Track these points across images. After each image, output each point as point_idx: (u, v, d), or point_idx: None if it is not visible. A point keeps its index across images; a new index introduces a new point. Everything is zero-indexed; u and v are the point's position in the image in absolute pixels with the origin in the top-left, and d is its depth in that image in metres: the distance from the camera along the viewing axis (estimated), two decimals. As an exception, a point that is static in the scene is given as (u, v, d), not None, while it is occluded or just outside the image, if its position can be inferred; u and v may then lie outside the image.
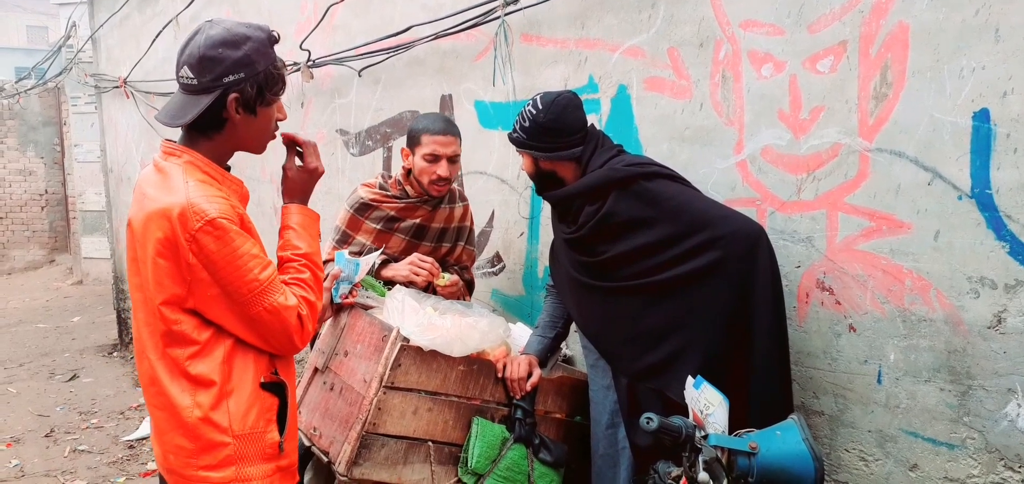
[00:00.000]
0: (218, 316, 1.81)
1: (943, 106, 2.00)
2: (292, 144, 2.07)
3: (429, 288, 2.80)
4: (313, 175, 2.08)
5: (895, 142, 2.10)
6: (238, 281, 1.77)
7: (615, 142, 2.50)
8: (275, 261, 1.94)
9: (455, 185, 3.10)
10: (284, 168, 2.07)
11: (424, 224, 2.91)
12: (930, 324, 2.09)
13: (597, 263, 2.37)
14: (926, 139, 2.04)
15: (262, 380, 1.88)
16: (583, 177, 2.38)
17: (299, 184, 2.07)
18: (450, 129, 2.82)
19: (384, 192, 2.92)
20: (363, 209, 2.91)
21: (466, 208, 3.09)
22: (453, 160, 2.80)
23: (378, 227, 2.89)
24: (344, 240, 2.90)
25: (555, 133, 2.36)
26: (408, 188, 2.89)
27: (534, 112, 2.37)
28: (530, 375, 2.53)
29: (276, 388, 1.91)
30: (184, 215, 1.73)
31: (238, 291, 1.78)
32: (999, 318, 1.96)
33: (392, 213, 2.89)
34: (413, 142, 2.81)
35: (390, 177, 2.97)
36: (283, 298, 1.84)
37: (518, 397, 2.53)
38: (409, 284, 2.73)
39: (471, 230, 3.12)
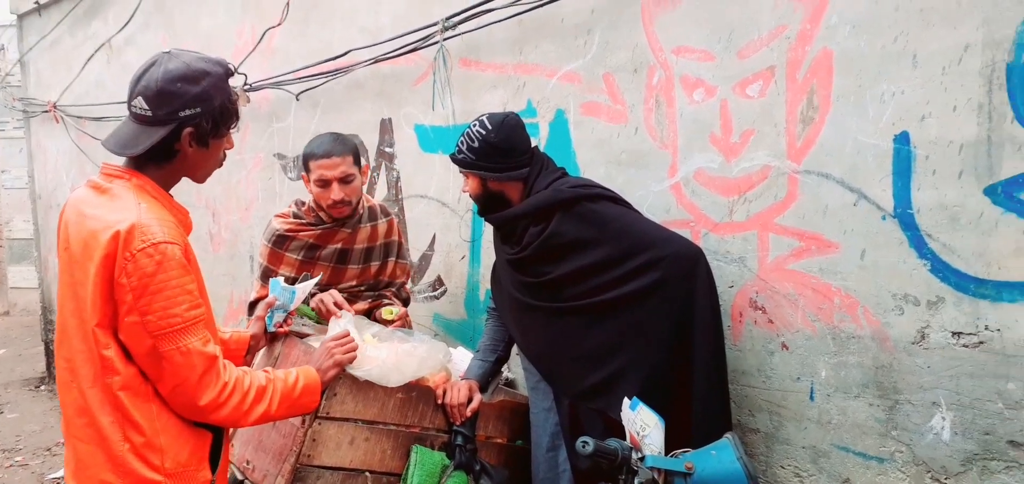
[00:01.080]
0: (132, 347, 1.74)
1: (866, 129, 2.07)
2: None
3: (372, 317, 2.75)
4: (334, 362, 2.16)
5: (822, 164, 2.16)
6: (160, 312, 1.70)
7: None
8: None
9: (377, 202, 3.01)
10: (326, 342, 2.21)
11: (346, 247, 2.82)
12: (858, 341, 2.14)
13: (540, 284, 2.37)
14: (851, 161, 2.11)
15: None
16: (528, 198, 2.38)
17: (319, 358, 2.16)
18: (336, 149, 2.66)
19: (299, 221, 2.80)
20: (281, 242, 2.79)
21: (391, 222, 2.97)
22: (346, 180, 2.67)
23: (299, 258, 2.78)
24: (267, 276, 2.77)
25: (505, 153, 2.36)
26: (321, 213, 2.78)
27: (484, 132, 2.36)
28: (470, 400, 2.51)
29: (210, 425, 1.85)
30: (131, 234, 1.69)
31: (156, 323, 1.70)
32: (923, 334, 2.02)
33: (311, 241, 2.78)
34: (306, 167, 2.70)
35: (304, 204, 2.85)
36: (200, 344, 1.76)
37: (458, 423, 2.50)
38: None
39: (401, 244, 3.02)
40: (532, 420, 2.52)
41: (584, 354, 2.31)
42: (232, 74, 1.87)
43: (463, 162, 2.42)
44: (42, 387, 7.56)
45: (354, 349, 2.21)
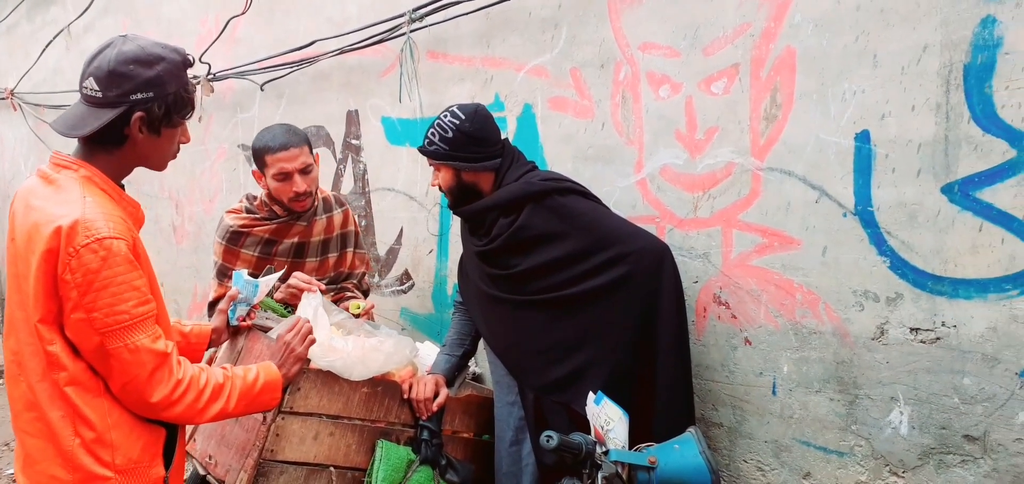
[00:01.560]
0: (79, 344, 1.70)
1: (828, 127, 2.10)
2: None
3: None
4: (294, 356, 2.12)
5: (785, 161, 2.19)
6: (107, 308, 1.66)
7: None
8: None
9: (330, 192, 2.93)
10: (282, 335, 2.15)
11: (303, 241, 2.76)
12: (820, 336, 2.17)
13: (508, 276, 2.37)
14: (813, 159, 2.13)
15: None
16: (498, 190, 2.37)
17: (277, 353, 2.11)
18: (292, 140, 2.57)
19: (252, 216, 2.72)
20: (235, 238, 2.71)
21: (346, 213, 2.90)
22: (306, 171, 2.58)
23: (255, 254, 2.71)
24: (224, 273, 2.71)
25: (479, 142, 2.34)
26: (275, 207, 2.69)
27: (457, 122, 2.33)
28: (436, 395, 2.50)
29: (164, 421, 1.81)
30: (74, 229, 1.64)
31: (103, 320, 1.66)
32: (882, 330, 2.06)
33: (267, 236, 2.71)
34: (260, 163, 2.58)
35: (255, 198, 2.76)
36: (149, 341, 1.72)
37: (424, 418, 2.49)
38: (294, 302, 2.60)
39: (357, 234, 2.96)
40: (496, 414, 2.52)
41: (549, 347, 2.31)
42: (190, 64, 1.83)
43: (436, 154, 2.37)
44: (0, 380, 7.39)
45: (310, 334, 2.17)
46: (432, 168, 2.44)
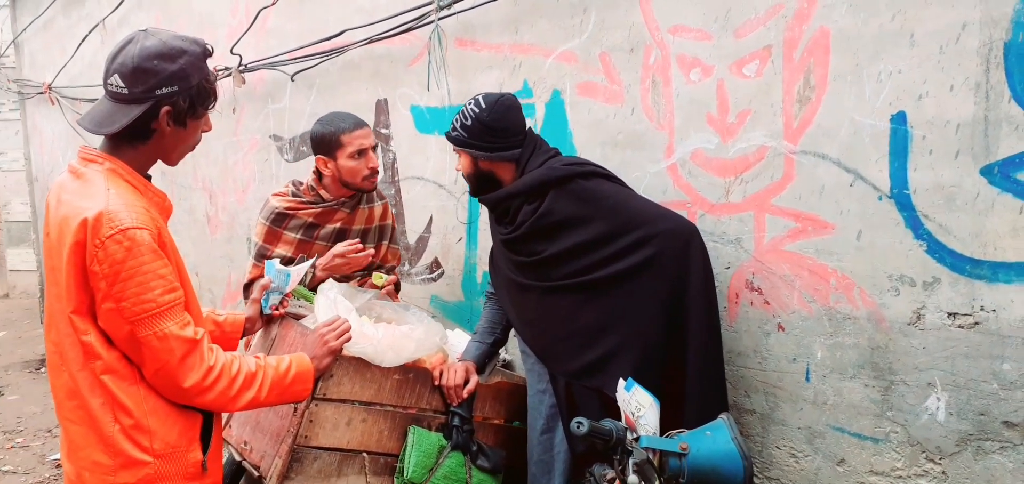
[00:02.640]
0: (111, 333, 1.74)
1: (863, 109, 2.06)
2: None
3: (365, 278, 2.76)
4: (327, 349, 2.14)
5: (818, 144, 2.15)
6: (134, 298, 1.69)
7: (551, 146, 2.51)
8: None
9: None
10: (319, 328, 2.19)
11: (345, 228, 2.84)
12: (854, 322, 2.14)
13: (534, 263, 2.37)
14: (848, 141, 2.09)
15: None
16: (521, 177, 2.38)
17: (312, 346, 2.13)
18: (362, 121, 2.78)
19: (298, 199, 2.82)
20: (280, 219, 2.80)
21: (385, 206, 3.01)
22: (375, 149, 2.79)
23: (298, 236, 2.80)
24: (263, 255, 2.79)
25: (497, 132, 2.36)
26: (323, 193, 2.81)
27: (477, 111, 2.36)
28: (467, 382, 2.51)
29: (198, 407, 1.85)
30: (99, 221, 1.68)
31: (131, 309, 1.70)
32: (918, 315, 2.02)
33: (310, 220, 2.80)
34: (332, 146, 2.72)
35: (301, 184, 2.88)
36: (178, 328, 1.75)
37: (455, 404, 2.51)
38: (340, 275, 2.66)
39: (393, 228, 3.05)
40: (528, 402, 2.53)
41: (578, 332, 2.31)
42: (210, 54, 1.86)
43: (456, 140, 2.42)
44: (42, 369, 7.58)
45: (347, 332, 2.20)
46: (456, 153, 2.48)
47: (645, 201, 2.35)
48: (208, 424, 1.89)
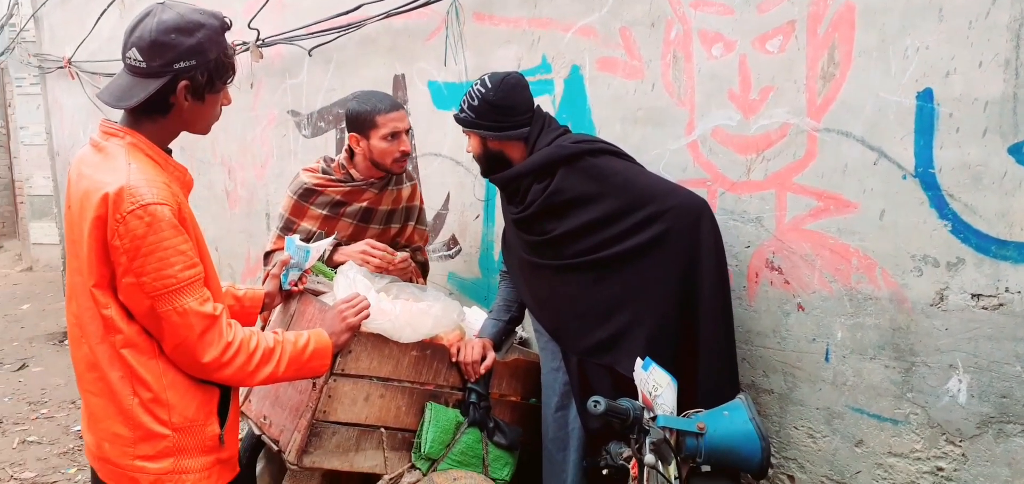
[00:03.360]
0: (132, 307, 1.75)
1: (888, 86, 2.02)
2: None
3: None
4: (346, 325, 2.16)
5: (842, 122, 2.12)
6: (154, 273, 1.70)
7: (566, 123, 2.50)
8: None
9: None
10: (338, 304, 2.20)
11: (371, 207, 2.84)
12: (876, 302, 2.12)
13: (546, 242, 2.37)
14: (872, 119, 2.06)
15: None
16: (530, 156, 2.37)
17: (330, 322, 2.16)
18: (399, 104, 2.79)
19: (328, 176, 2.84)
20: (307, 195, 2.82)
21: (414, 187, 3.01)
22: (408, 132, 2.79)
23: (324, 212, 2.82)
24: (288, 227, 2.82)
25: (504, 112, 2.35)
26: (352, 171, 2.82)
27: (483, 91, 2.36)
28: (484, 358, 2.52)
29: (216, 382, 1.87)
30: (120, 196, 1.68)
31: (152, 284, 1.71)
32: (941, 296, 2.00)
33: (338, 197, 2.81)
34: (366, 125, 2.73)
35: (333, 160, 2.89)
36: (197, 303, 1.76)
37: (472, 381, 2.52)
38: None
39: (421, 210, 3.06)
40: (542, 380, 2.53)
41: (589, 310, 2.32)
42: (228, 28, 1.84)
43: (464, 121, 2.43)
44: (65, 341, 7.69)
45: (366, 309, 2.21)
46: (465, 135, 2.48)
47: (655, 177, 2.34)
48: (225, 398, 1.90)
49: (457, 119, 2.45)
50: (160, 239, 1.70)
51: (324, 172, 2.86)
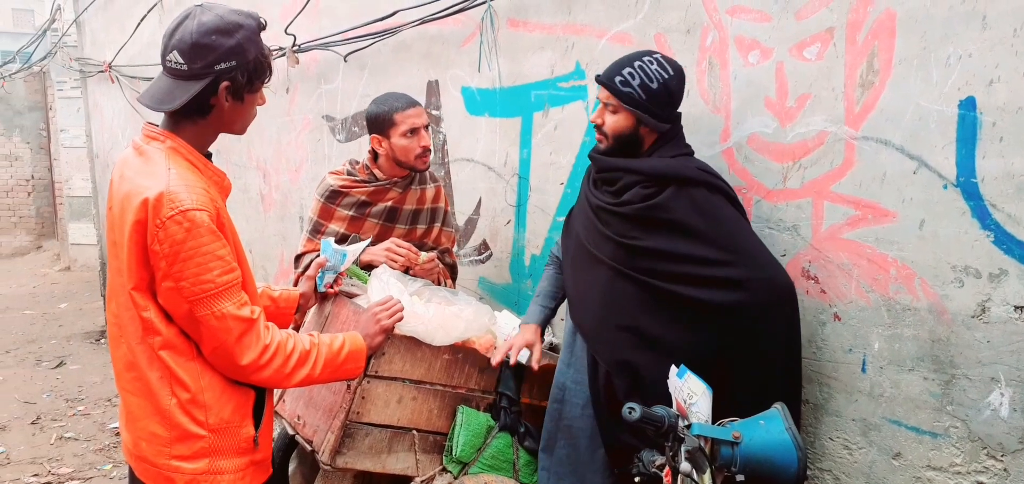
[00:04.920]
0: (171, 311, 1.78)
1: (929, 94, 1.99)
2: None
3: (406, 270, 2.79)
4: (380, 327, 2.17)
5: (881, 130, 2.09)
6: (193, 278, 1.73)
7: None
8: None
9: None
10: (372, 307, 2.22)
11: (396, 206, 2.90)
12: (914, 313, 2.09)
13: (620, 244, 2.27)
14: (912, 127, 2.03)
15: None
16: (648, 159, 2.28)
17: (365, 325, 2.17)
18: (416, 101, 2.84)
19: (353, 178, 2.90)
20: (334, 197, 2.88)
21: (438, 189, 3.05)
22: (427, 129, 2.84)
23: (350, 213, 2.87)
24: (317, 230, 2.89)
25: (675, 102, 2.27)
26: (376, 172, 2.89)
27: (665, 76, 2.23)
28: (531, 352, 2.47)
29: (253, 384, 1.90)
30: (160, 201, 1.71)
31: (191, 289, 1.73)
32: (983, 307, 1.96)
33: (363, 198, 2.87)
34: (385, 126, 2.79)
35: (358, 163, 2.96)
36: (235, 307, 1.78)
37: (514, 363, 2.47)
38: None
39: (446, 212, 3.09)
40: (557, 372, 2.49)
41: (634, 328, 2.23)
42: (264, 27, 1.87)
43: (629, 98, 2.24)
44: (102, 340, 7.85)
45: (400, 312, 2.22)
46: (600, 103, 2.32)
47: (756, 241, 2.23)
48: (260, 401, 1.93)
49: (617, 92, 2.24)
50: (199, 244, 1.72)
51: (349, 174, 2.92)
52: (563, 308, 2.62)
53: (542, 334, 2.57)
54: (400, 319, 2.23)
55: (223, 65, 1.77)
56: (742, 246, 2.17)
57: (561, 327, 3.09)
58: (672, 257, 2.18)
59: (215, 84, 1.78)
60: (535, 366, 2.48)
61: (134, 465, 1.91)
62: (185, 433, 1.82)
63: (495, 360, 2.47)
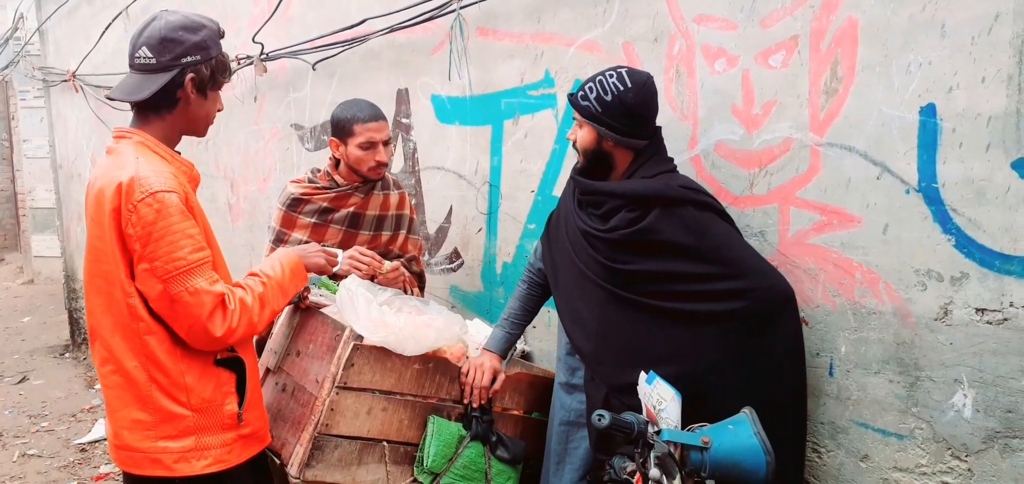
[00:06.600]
0: (146, 293, 1.86)
1: (891, 101, 2.03)
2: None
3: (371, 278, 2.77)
4: (317, 251, 2.37)
5: (845, 136, 2.12)
6: (165, 256, 1.82)
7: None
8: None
9: (389, 174, 3.04)
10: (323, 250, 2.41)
11: (358, 212, 2.88)
12: (879, 317, 2.12)
13: (614, 269, 2.23)
14: (875, 134, 2.06)
15: (217, 357, 1.96)
16: (630, 179, 2.25)
17: (312, 258, 2.33)
18: (380, 114, 2.81)
19: (314, 185, 2.89)
20: (295, 204, 2.87)
21: (403, 195, 3.03)
22: (387, 144, 2.82)
23: (313, 221, 2.86)
24: (280, 239, 2.86)
25: (636, 117, 2.21)
26: (337, 178, 2.87)
27: (621, 88, 2.19)
28: (494, 381, 2.49)
29: (232, 364, 1.99)
30: (131, 186, 1.82)
31: (164, 267, 1.82)
32: (946, 310, 1.99)
33: (325, 204, 2.85)
34: (344, 132, 2.78)
35: (319, 171, 2.94)
36: (207, 283, 1.88)
37: (480, 403, 2.49)
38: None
39: (412, 219, 3.06)
40: (554, 394, 2.51)
41: (635, 350, 2.19)
42: (223, 35, 2.03)
43: (586, 111, 2.24)
44: (66, 354, 7.69)
45: (366, 266, 2.51)
46: (574, 120, 2.32)
47: (749, 250, 2.21)
48: (242, 378, 2.02)
49: (577, 105, 2.27)
50: (169, 224, 1.82)
51: (310, 181, 2.92)
52: (554, 319, 2.60)
53: (504, 355, 2.56)
54: (334, 263, 2.44)
55: (189, 59, 1.92)
56: (739, 258, 2.16)
57: (533, 335, 3.10)
58: (668, 277, 2.15)
59: (182, 75, 1.92)
60: (498, 386, 2.50)
61: (118, 458, 1.98)
62: (169, 415, 1.91)
63: (475, 403, 2.49)
